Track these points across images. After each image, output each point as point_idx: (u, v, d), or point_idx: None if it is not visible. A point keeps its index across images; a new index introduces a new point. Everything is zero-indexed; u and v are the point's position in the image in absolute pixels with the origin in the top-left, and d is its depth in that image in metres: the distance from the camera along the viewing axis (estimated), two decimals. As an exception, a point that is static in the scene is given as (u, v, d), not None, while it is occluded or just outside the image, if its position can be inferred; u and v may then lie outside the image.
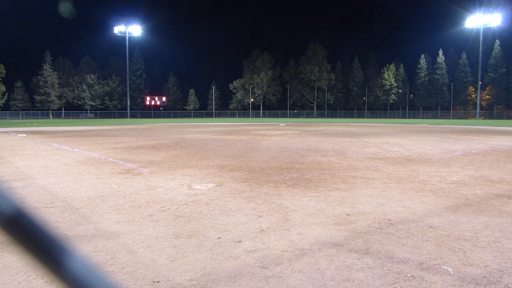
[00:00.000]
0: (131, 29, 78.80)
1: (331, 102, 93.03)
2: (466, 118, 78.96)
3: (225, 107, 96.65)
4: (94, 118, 77.38)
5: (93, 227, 4.15)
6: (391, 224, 4.26)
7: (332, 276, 2.92)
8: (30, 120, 54.30)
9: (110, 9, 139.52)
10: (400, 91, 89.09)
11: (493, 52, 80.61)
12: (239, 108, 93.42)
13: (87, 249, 3.53)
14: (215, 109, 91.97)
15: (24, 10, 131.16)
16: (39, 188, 6.24)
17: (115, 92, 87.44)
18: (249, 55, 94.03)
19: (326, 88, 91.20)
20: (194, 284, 2.80)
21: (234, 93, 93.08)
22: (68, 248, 0.39)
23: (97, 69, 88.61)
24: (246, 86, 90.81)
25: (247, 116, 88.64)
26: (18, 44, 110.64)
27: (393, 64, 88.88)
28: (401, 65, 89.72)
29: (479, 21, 70.49)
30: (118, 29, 78.50)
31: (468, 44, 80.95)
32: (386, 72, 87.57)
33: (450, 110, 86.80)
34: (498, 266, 3.11)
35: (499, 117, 76.57)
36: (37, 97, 79.82)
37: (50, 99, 79.77)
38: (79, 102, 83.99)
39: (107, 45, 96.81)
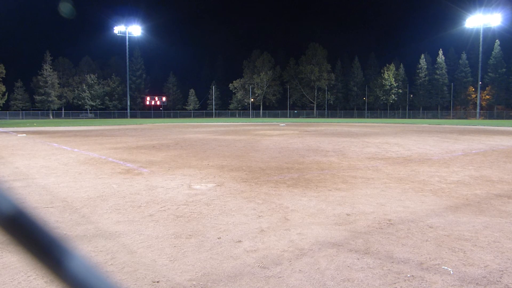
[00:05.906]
0: (131, 29, 78.82)
1: (331, 102, 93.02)
2: (466, 118, 78.97)
3: (225, 107, 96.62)
4: (94, 118, 77.39)
5: (93, 227, 4.14)
6: (391, 224, 4.25)
7: (332, 276, 2.92)
8: (30, 120, 54.30)
9: (110, 9, 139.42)
10: (400, 91, 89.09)
11: (493, 52, 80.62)
12: (239, 108, 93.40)
13: (87, 249, 3.53)
14: (215, 109, 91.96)
15: (24, 10, 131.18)
16: (39, 188, 6.24)
17: (115, 92, 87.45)
18: (249, 55, 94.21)
19: (326, 88, 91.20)
20: (194, 284, 2.80)
21: (234, 93, 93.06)
22: (68, 248, 0.39)
23: (97, 69, 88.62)
24: (246, 86, 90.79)
25: (247, 116, 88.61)
26: (18, 44, 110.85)
27: (393, 64, 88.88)
28: (401, 65, 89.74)
29: (479, 21, 70.55)
30: (118, 29, 78.54)
31: (468, 44, 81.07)
32: (386, 72, 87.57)
33: (450, 110, 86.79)
34: (498, 266, 3.11)
35: (499, 117, 76.57)
36: (37, 97, 79.86)
37: (50, 99, 79.81)
38: (79, 102, 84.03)
39: (107, 45, 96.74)
